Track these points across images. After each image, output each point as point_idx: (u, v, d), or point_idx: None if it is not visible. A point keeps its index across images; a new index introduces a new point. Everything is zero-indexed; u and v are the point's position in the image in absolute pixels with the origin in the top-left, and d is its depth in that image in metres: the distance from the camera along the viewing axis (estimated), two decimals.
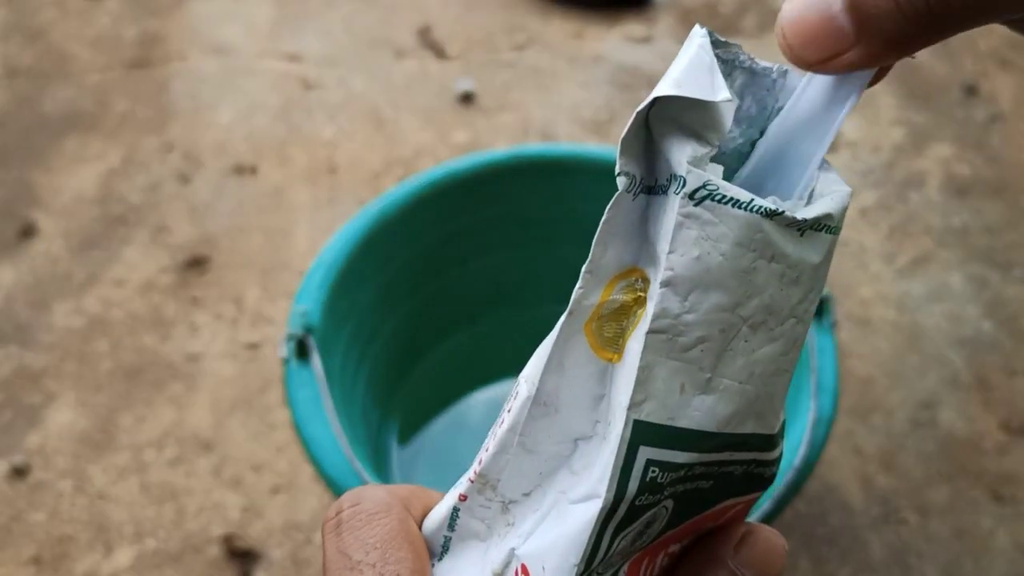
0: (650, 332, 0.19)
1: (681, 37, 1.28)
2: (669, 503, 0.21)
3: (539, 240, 0.82)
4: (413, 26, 1.30)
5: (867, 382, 0.91)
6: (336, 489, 0.59)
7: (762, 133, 0.21)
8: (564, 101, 1.20)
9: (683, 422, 0.19)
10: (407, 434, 0.81)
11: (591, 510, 0.19)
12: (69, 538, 0.81)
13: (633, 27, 1.30)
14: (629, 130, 0.19)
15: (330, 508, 0.23)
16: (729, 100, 0.19)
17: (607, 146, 1.13)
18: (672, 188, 0.19)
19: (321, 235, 1.03)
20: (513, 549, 0.21)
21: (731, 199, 0.19)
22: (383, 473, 0.77)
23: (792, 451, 0.60)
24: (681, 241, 0.19)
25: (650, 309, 0.19)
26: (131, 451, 0.86)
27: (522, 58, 1.26)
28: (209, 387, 0.91)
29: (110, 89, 1.21)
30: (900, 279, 1.00)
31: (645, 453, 0.19)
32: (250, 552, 0.79)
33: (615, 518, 0.19)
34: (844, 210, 0.21)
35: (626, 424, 0.19)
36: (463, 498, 0.22)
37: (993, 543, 0.80)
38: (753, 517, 0.57)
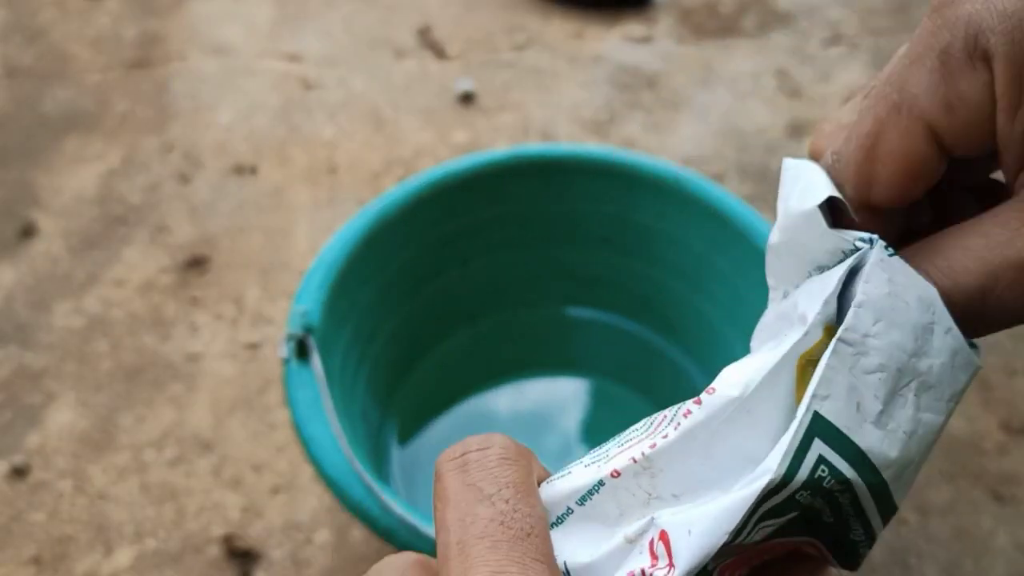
0: (839, 340, 0.20)
1: (681, 37, 1.28)
2: (799, 513, 0.21)
3: (539, 240, 0.82)
4: (413, 26, 1.30)
5: None
6: (336, 489, 0.59)
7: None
8: (564, 101, 1.20)
9: (857, 438, 0.20)
10: (407, 434, 0.81)
11: (759, 484, 0.20)
12: (69, 538, 0.81)
13: (633, 27, 1.30)
14: (828, 219, 0.22)
15: (452, 448, 0.22)
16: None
17: (607, 146, 1.13)
18: (868, 247, 0.21)
19: (321, 235, 1.03)
20: (653, 519, 0.21)
21: (906, 262, 0.21)
22: (383, 473, 0.77)
23: None
24: (875, 277, 0.21)
25: (844, 324, 0.21)
26: (131, 451, 0.86)
27: (522, 58, 1.26)
28: (209, 387, 0.91)
29: (110, 89, 1.21)
30: None
31: (818, 447, 0.20)
32: (250, 552, 0.79)
33: (773, 500, 0.20)
34: (979, 366, 0.22)
35: (807, 410, 0.20)
36: (616, 474, 0.22)
37: (993, 543, 0.80)
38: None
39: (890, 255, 0.21)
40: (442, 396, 0.83)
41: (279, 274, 1.00)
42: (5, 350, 0.94)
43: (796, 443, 0.20)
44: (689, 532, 0.20)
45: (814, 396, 0.20)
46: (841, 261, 0.22)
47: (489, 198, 0.79)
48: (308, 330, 0.65)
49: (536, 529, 0.21)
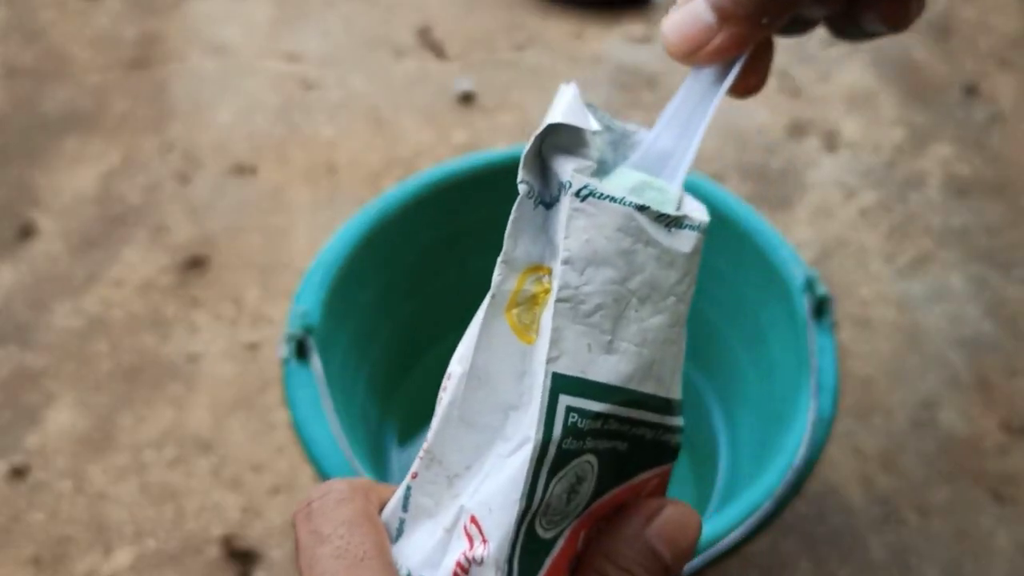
0: (557, 301, 0.23)
1: None
2: (593, 459, 0.24)
3: None
4: (413, 26, 1.30)
5: (867, 382, 0.91)
6: None
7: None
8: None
9: (593, 375, 0.23)
10: (407, 435, 0.81)
11: (526, 452, 0.22)
12: (68, 538, 0.81)
13: (633, 27, 1.30)
14: (529, 149, 0.24)
15: (301, 501, 0.26)
16: (600, 130, 0.25)
17: None
18: (563, 193, 0.24)
19: (321, 235, 1.03)
20: (462, 506, 0.24)
21: (609, 196, 0.24)
22: (383, 473, 0.77)
23: (792, 451, 0.60)
24: (573, 229, 0.23)
25: (555, 284, 0.23)
26: (131, 451, 0.86)
27: (522, 58, 1.26)
28: (209, 387, 0.91)
29: (109, 89, 1.21)
30: (900, 279, 1.00)
31: (565, 400, 0.23)
32: (250, 552, 0.79)
33: (547, 460, 0.23)
34: (706, 221, 0.26)
35: (546, 376, 0.23)
36: (414, 476, 0.25)
37: (994, 543, 0.80)
38: (754, 516, 0.57)
39: (584, 195, 0.23)
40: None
41: (279, 274, 1.00)
42: (4, 350, 0.94)
43: (544, 406, 0.22)
44: (490, 510, 0.23)
45: (547, 361, 0.23)
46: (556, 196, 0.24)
47: (489, 198, 0.79)
48: (308, 330, 0.64)
49: (370, 552, 0.24)
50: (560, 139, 0.24)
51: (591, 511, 0.25)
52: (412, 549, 0.24)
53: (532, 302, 0.24)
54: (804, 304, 0.67)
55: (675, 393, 0.25)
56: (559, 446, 0.23)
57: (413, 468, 0.25)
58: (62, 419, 0.88)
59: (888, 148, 1.14)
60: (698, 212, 0.26)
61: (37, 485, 0.84)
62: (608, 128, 0.26)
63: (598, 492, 0.25)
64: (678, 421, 0.26)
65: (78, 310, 0.97)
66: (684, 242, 0.25)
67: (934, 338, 0.95)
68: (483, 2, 1.34)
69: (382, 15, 1.32)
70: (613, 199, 0.24)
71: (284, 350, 0.64)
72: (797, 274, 0.68)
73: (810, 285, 0.67)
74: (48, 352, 0.93)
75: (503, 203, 0.87)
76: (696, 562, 0.56)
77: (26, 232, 1.04)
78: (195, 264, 1.01)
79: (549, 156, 0.24)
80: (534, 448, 0.22)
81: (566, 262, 0.23)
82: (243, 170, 1.11)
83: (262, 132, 1.15)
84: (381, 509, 0.26)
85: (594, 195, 0.23)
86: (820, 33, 1.25)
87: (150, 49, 1.27)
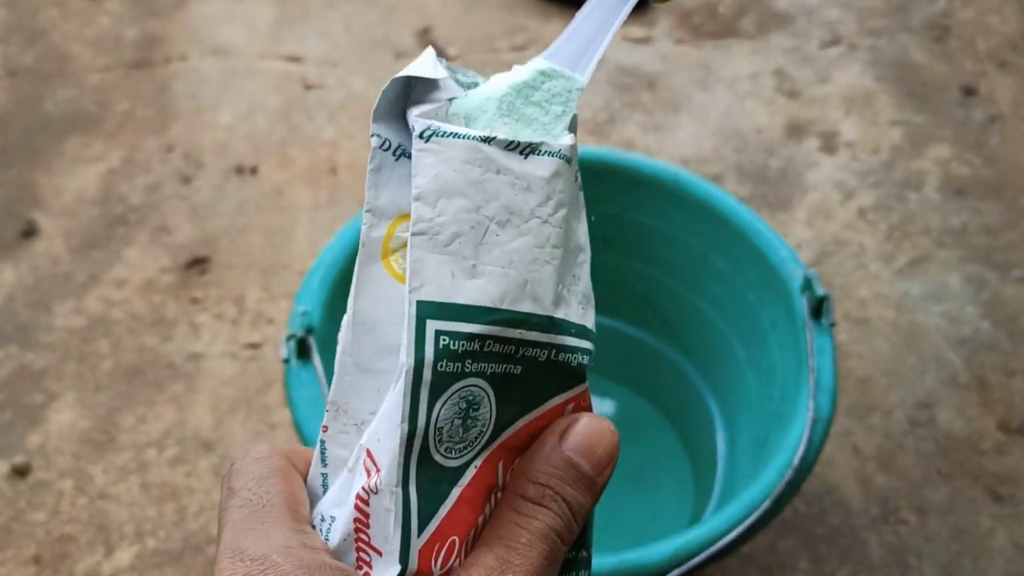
0: (413, 235, 0.24)
1: (680, 38, 1.28)
2: (483, 383, 0.24)
3: None
4: (413, 27, 1.31)
5: (866, 382, 0.91)
6: None
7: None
8: None
9: (460, 299, 0.24)
10: None
11: (402, 378, 0.23)
12: (70, 538, 0.81)
13: (632, 28, 1.30)
14: (378, 105, 0.26)
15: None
16: (447, 77, 0.26)
17: (607, 147, 1.13)
18: (411, 134, 0.25)
19: (322, 235, 1.03)
20: (361, 444, 0.24)
21: (452, 133, 0.25)
22: None
23: (791, 450, 0.60)
24: (421, 167, 0.24)
25: (411, 221, 0.24)
26: (132, 451, 0.86)
27: (522, 59, 1.25)
28: (210, 387, 0.91)
29: (111, 90, 1.21)
30: (899, 279, 1.00)
31: (433, 325, 0.23)
32: None
33: (423, 382, 0.23)
34: (567, 146, 0.26)
35: (410, 304, 0.23)
36: (325, 429, 0.26)
37: (992, 543, 0.81)
38: (753, 515, 0.58)
39: (427, 136, 0.24)
40: None
41: (280, 274, 1.00)
42: (6, 350, 0.94)
43: (413, 332, 0.23)
44: (379, 439, 0.24)
45: (410, 291, 0.23)
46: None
47: None
48: (309, 330, 0.65)
49: (273, 501, 0.25)
50: (416, 94, 0.26)
51: (504, 441, 0.25)
52: (329, 496, 0.25)
53: (406, 247, 0.25)
54: (803, 304, 0.67)
55: (562, 313, 0.26)
56: (434, 369, 0.23)
57: (323, 422, 0.26)
58: (63, 419, 0.89)
59: (887, 149, 1.14)
60: (563, 140, 0.26)
61: (38, 484, 0.84)
62: (466, 79, 0.28)
63: (504, 420, 0.25)
64: (575, 341, 0.26)
65: (79, 310, 0.97)
66: (541, 167, 0.26)
67: (932, 338, 0.95)
68: (483, 3, 1.34)
69: (382, 16, 1.32)
70: (457, 135, 0.25)
71: (285, 350, 0.64)
72: (796, 274, 0.68)
73: (809, 285, 0.67)
74: (49, 352, 0.94)
75: None
76: (696, 561, 0.56)
77: (27, 232, 1.05)
78: (196, 264, 1.01)
79: (408, 110, 0.26)
80: (407, 372, 0.23)
81: (417, 199, 0.24)
82: (244, 170, 1.11)
83: (263, 133, 1.16)
84: (307, 473, 0.27)
85: (437, 134, 0.25)
86: (818, 34, 1.25)
87: (151, 50, 1.27)
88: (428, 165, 0.24)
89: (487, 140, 0.25)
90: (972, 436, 0.87)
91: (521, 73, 0.27)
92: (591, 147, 0.93)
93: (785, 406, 0.66)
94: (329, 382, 0.64)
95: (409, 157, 0.26)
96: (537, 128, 0.26)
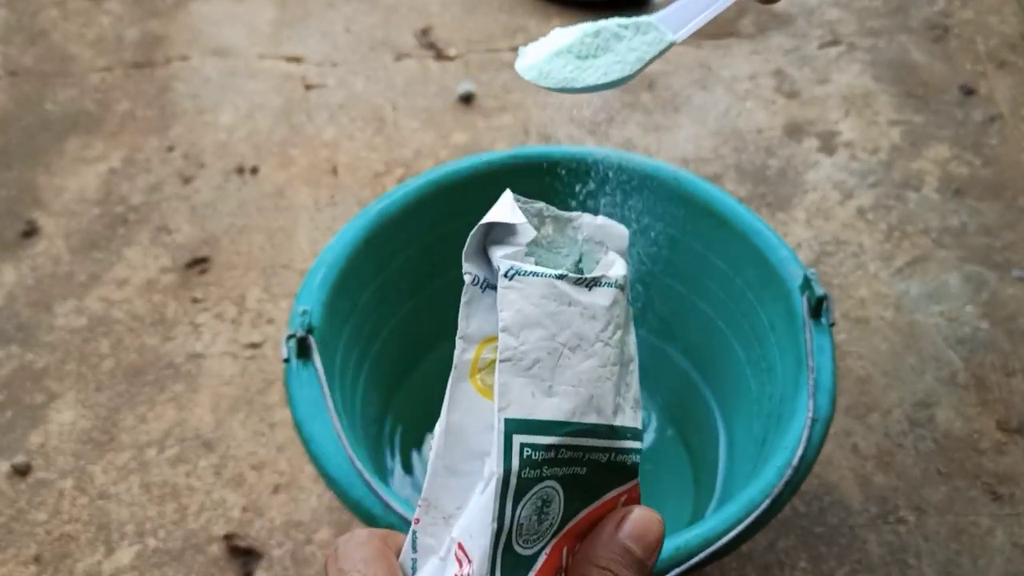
0: (500, 362, 0.28)
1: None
2: (556, 484, 0.28)
3: None
4: (413, 28, 1.31)
5: (865, 381, 0.91)
6: (337, 488, 0.59)
7: (579, 262, 0.31)
8: (563, 102, 1.20)
9: (539, 415, 0.28)
10: (408, 433, 0.81)
11: (492, 484, 0.27)
12: (70, 537, 0.81)
13: None
14: (469, 245, 0.30)
15: (330, 547, 0.28)
16: (525, 222, 0.30)
17: (606, 147, 1.13)
18: (497, 275, 0.29)
19: (322, 235, 1.04)
20: (452, 537, 0.28)
21: (531, 272, 0.29)
22: (382, 472, 0.77)
23: (790, 450, 0.60)
24: (507, 302, 0.28)
25: (499, 348, 0.28)
26: (132, 450, 0.87)
27: None
28: (210, 387, 0.91)
29: (111, 90, 1.21)
30: (898, 279, 1.00)
31: (518, 439, 0.28)
32: (251, 551, 0.80)
33: (510, 488, 0.27)
34: (622, 276, 0.31)
35: (499, 421, 0.28)
36: (417, 520, 0.30)
37: (991, 542, 0.81)
38: (753, 514, 0.58)
39: (511, 275, 0.28)
40: (442, 397, 0.83)
41: (280, 274, 1.00)
42: (6, 350, 0.94)
43: (501, 445, 0.27)
44: (471, 535, 0.28)
45: (499, 410, 0.28)
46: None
47: (489, 199, 0.79)
48: (309, 330, 0.65)
49: None
50: (497, 234, 0.30)
51: (569, 530, 0.29)
52: None
53: (491, 366, 0.29)
54: (802, 304, 0.67)
55: (620, 420, 0.30)
56: (519, 476, 0.27)
57: (415, 514, 0.30)
58: (64, 418, 0.89)
59: (886, 149, 1.14)
60: (616, 269, 0.31)
61: (39, 484, 0.84)
62: (548, 216, 0.32)
63: (570, 513, 0.29)
64: (629, 443, 0.30)
65: (80, 310, 0.97)
66: (603, 298, 0.30)
67: (931, 338, 0.95)
68: (483, 3, 1.34)
69: (383, 17, 1.33)
70: (535, 274, 0.29)
71: (285, 349, 0.64)
72: (795, 274, 0.68)
73: (808, 285, 0.68)
74: (50, 352, 0.94)
75: None
76: (696, 560, 0.56)
77: (28, 232, 1.05)
78: (197, 264, 1.01)
79: (490, 249, 0.30)
80: (498, 480, 0.27)
81: (504, 330, 0.28)
82: (244, 171, 1.11)
83: (263, 133, 1.16)
84: (398, 553, 0.31)
85: (519, 273, 0.29)
86: (817, 34, 1.25)
87: (152, 50, 1.27)
88: (512, 301, 0.29)
89: (560, 277, 0.29)
90: (971, 435, 0.88)
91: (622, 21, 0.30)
92: (590, 148, 0.93)
93: (784, 406, 0.66)
94: (330, 381, 0.64)
95: (493, 288, 0.30)
96: (613, 57, 0.30)
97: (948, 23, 1.29)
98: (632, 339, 0.32)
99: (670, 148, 1.14)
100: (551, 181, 0.80)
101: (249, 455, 0.86)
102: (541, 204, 0.31)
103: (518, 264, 0.29)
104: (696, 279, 0.78)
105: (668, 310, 0.82)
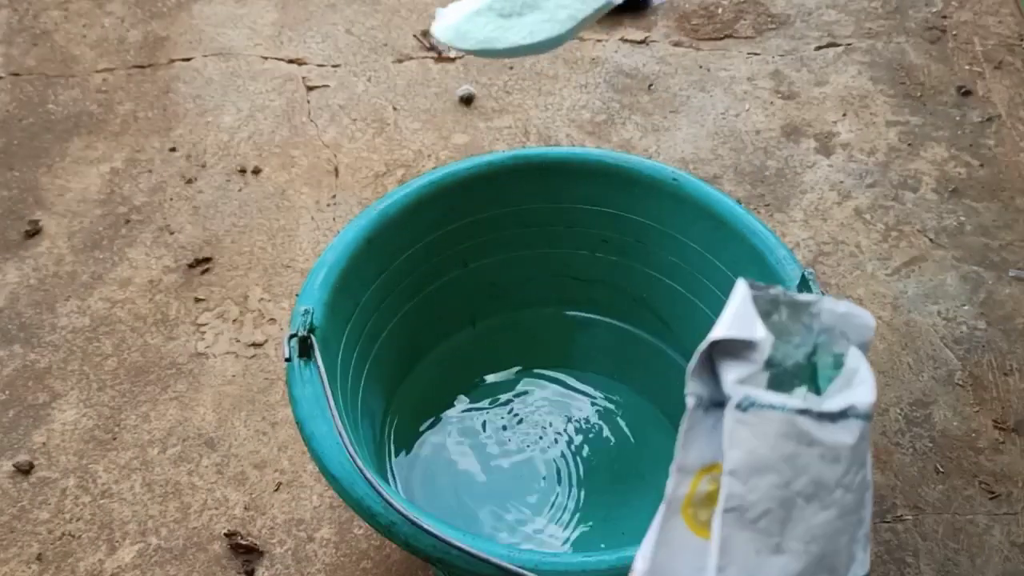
0: (724, 512, 0.24)
1: (678, 40, 1.29)
2: None
3: (538, 241, 0.83)
4: (414, 29, 1.31)
5: None
6: (338, 486, 0.60)
7: (812, 354, 0.26)
8: (563, 103, 1.21)
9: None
10: (408, 433, 0.82)
11: None
12: (72, 536, 0.81)
13: (631, 30, 1.31)
14: (695, 363, 0.25)
15: None
16: (765, 336, 0.25)
17: (606, 148, 1.14)
18: (727, 403, 0.25)
19: (323, 236, 1.04)
20: None
21: (769, 405, 0.24)
22: (383, 470, 0.78)
23: None
24: (737, 439, 0.24)
25: (722, 495, 0.24)
26: (135, 449, 0.87)
27: (521, 61, 1.27)
28: (212, 386, 0.92)
29: (114, 91, 1.22)
30: (895, 279, 1.01)
31: None
32: (253, 549, 0.80)
33: None
34: (869, 404, 0.26)
35: None
36: None
37: (988, 540, 0.81)
38: None
39: (745, 407, 0.24)
40: (442, 396, 0.84)
41: (282, 274, 1.01)
42: (10, 349, 0.95)
43: None
44: None
45: (718, 570, 0.24)
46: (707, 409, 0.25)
47: (489, 199, 0.80)
48: (311, 329, 0.65)
49: None
50: (727, 346, 0.25)
51: None
52: None
53: (708, 499, 0.25)
54: None
55: (852, 572, 0.26)
56: None
57: None
58: (67, 417, 0.89)
59: (883, 149, 1.15)
60: (862, 393, 0.26)
61: (41, 483, 0.85)
62: (784, 302, 0.27)
63: None
64: None
65: (83, 310, 0.98)
66: (847, 434, 0.26)
67: (929, 337, 0.96)
68: None
69: (384, 18, 1.33)
70: (773, 407, 0.25)
71: (287, 349, 0.65)
72: (793, 274, 0.69)
73: (806, 284, 0.68)
74: (53, 351, 0.94)
75: (503, 204, 0.88)
76: None
77: (31, 232, 1.05)
78: (199, 264, 1.02)
79: (717, 359, 0.26)
80: None
81: (731, 473, 0.24)
82: (246, 171, 1.12)
83: (265, 134, 1.16)
84: None
85: (756, 405, 0.25)
86: (815, 36, 1.27)
87: (154, 51, 1.28)
88: (744, 439, 0.25)
89: (802, 412, 0.25)
90: (968, 434, 0.88)
91: None
92: (589, 148, 0.94)
93: None
94: (331, 380, 0.65)
95: (717, 407, 0.26)
96: (540, 16, 0.27)
97: (945, 24, 1.30)
98: (869, 460, 0.27)
99: (669, 149, 1.15)
100: (551, 181, 0.80)
101: (251, 454, 0.86)
102: (778, 289, 0.27)
103: (754, 393, 0.25)
104: (695, 279, 0.79)
105: (668, 310, 0.83)
